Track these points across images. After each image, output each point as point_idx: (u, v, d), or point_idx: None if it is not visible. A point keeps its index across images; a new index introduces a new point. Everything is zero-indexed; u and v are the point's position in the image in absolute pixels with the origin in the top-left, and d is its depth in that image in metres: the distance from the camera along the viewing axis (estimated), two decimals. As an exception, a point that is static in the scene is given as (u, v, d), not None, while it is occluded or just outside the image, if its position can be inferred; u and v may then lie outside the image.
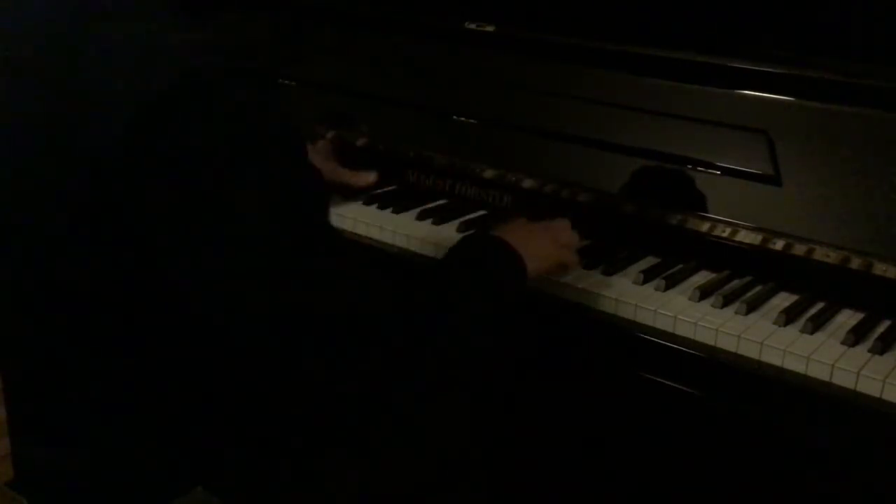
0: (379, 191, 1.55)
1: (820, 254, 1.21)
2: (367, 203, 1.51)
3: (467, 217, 1.46)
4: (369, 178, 1.52)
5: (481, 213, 1.48)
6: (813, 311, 1.19)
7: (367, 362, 0.91)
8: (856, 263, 1.18)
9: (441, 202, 1.52)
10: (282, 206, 0.87)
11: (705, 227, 1.29)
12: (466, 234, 1.38)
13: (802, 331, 1.14)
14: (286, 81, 1.72)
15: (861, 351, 1.10)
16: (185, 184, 0.84)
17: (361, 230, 1.45)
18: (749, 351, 1.12)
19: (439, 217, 1.45)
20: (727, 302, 1.20)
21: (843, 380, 1.06)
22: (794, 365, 1.09)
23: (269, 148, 0.87)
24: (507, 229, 1.17)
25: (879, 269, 1.17)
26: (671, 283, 1.25)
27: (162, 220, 0.85)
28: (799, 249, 1.22)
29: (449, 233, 1.41)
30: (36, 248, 0.96)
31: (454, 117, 1.56)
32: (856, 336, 1.12)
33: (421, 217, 1.46)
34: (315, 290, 0.88)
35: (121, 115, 0.83)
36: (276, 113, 0.88)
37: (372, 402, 0.94)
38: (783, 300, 1.22)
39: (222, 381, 1.02)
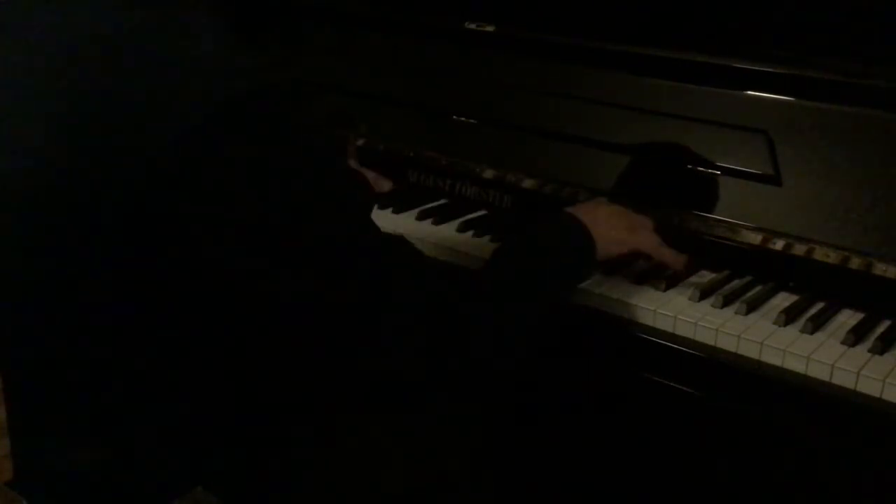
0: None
1: (820, 254, 1.21)
2: (367, 203, 1.51)
3: (467, 217, 1.46)
4: (386, 186, 1.51)
5: (481, 212, 1.48)
6: (813, 311, 1.19)
7: (434, 332, 0.96)
8: (856, 263, 1.18)
9: (441, 202, 1.52)
10: (338, 208, 0.93)
11: (705, 227, 1.29)
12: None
13: (802, 331, 1.14)
14: (286, 81, 1.72)
15: (861, 351, 1.10)
16: (247, 195, 0.88)
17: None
18: (749, 351, 1.12)
19: (439, 217, 1.45)
20: (727, 302, 1.20)
21: (843, 380, 1.06)
22: (794, 365, 1.09)
23: (322, 157, 0.93)
24: (585, 208, 1.20)
25: (879, 269, 1.17)
26: (671, 282, 1.25)
27: (218, 225, 0.89)
28: (799, 249, 1.22)
29: (449, 233, 1.41)
30: (41, 246, 0.96)
31: (454, 117, 1.56)
32: (856, 336, 1.11)
33: (421, 217, 1.46)
34: (381, 280, 0.94)
35: (177, 128, 0.86)
36: (325, 127, 0.97)
37: (434, 374, 0.98)
38: (783, 300, 1.22)
39: (223, 381, 1.02)
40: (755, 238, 1.25)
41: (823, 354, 1.09)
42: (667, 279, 1.24)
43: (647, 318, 1.19)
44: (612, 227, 1.18)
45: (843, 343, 1.11)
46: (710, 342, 1.15)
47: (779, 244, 1.24)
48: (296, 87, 0.92)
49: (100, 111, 0.90)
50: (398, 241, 1.01)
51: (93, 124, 0.91)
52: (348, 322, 0.94)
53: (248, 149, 0.87)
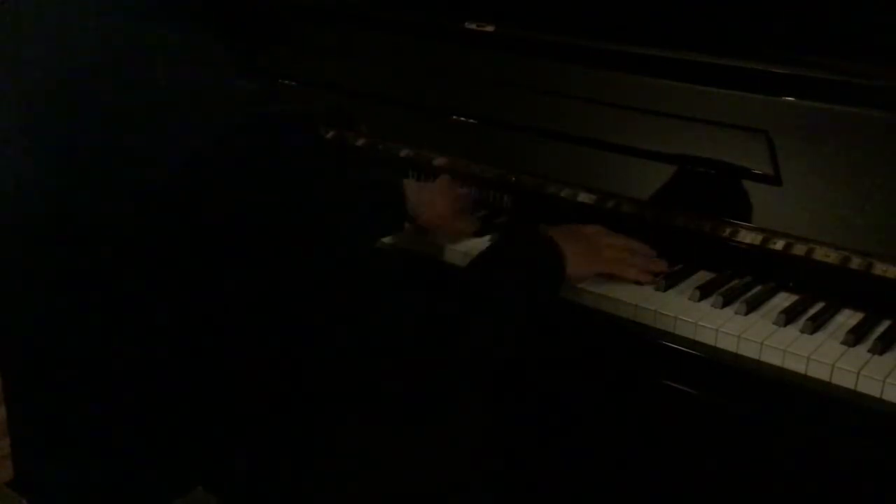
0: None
1: (820, 254, 1.21)
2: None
3: (467, 217, 1.45)
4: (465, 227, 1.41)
5: (482, 212, 1.48)
6: (813, 311, 1.19)
7: (410, 345, 0.98)
8: (856, 263, 1.18)
9: (441, 202, 1.52)
10: (336, 229, 0.95)
11: (705, 227, 1.29)
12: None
13: (802, 331, 1.14)
14: (286, 81, 1.72)
15: (861, 351, 1.10)
16: (249, 220, 0.89)
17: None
18: (749, 351, 1.12)
19: (439, 217, 1.45)
20: (727, 302, 1.20)
21: (843, 380, 1.06)
22: (794, 365, 1.09)
23: (324, 182, 0.95)
24: (556, 230, 1.22)
25: (879, 269, 1.17)
26: (671, 283, 1.25)
27: (222, 243, 0.90)
28: (799, 249, 1.22)
29: (449, 233, 1.41)
30: (41, 248, 0.96)
31: (454, 117, 1.56)
32: (856, 336, 1.11)
33: (421, 217, 1.46)
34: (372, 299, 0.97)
35: (182, 155, 0.86)
36: (326, 153, 0.98)
37: (414, 385, 1.00)
38: (783, 300, 1.22)
39: (224, 381, 1.02)
40: (755, 238, 1.25)
41: (823, 354, 1.09)
42: (667, 279, 1.24)
43: (647, 318, 1.19)
44: (578, 251, 1.20)
45: (843, 343, 1.11)
46: (710, 342, 1.15)
47: (779, 244, 1.24)
48: (294, 114, 0.92)
49: (97, 128, 0.90)
50: (384, 253, 1.02)
51: (90, 138, 0.91)
52: (343, 326, 0.95)
53: (250, 176, 0.88)
